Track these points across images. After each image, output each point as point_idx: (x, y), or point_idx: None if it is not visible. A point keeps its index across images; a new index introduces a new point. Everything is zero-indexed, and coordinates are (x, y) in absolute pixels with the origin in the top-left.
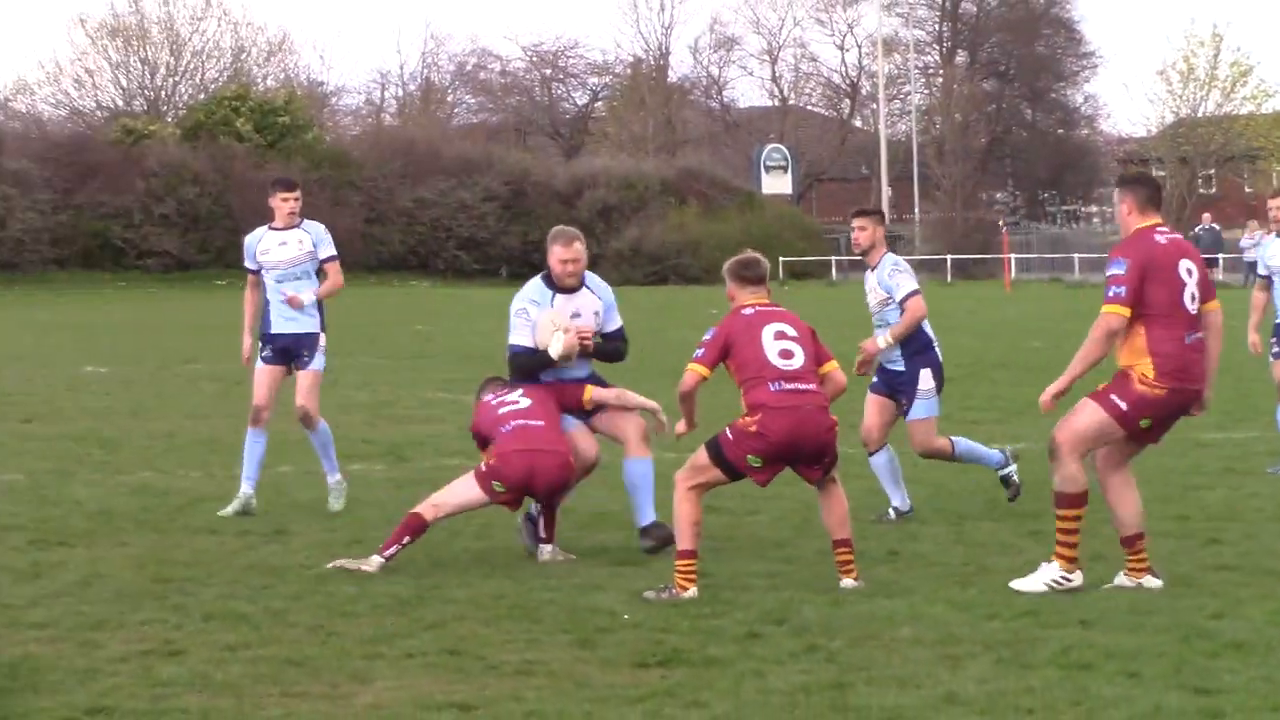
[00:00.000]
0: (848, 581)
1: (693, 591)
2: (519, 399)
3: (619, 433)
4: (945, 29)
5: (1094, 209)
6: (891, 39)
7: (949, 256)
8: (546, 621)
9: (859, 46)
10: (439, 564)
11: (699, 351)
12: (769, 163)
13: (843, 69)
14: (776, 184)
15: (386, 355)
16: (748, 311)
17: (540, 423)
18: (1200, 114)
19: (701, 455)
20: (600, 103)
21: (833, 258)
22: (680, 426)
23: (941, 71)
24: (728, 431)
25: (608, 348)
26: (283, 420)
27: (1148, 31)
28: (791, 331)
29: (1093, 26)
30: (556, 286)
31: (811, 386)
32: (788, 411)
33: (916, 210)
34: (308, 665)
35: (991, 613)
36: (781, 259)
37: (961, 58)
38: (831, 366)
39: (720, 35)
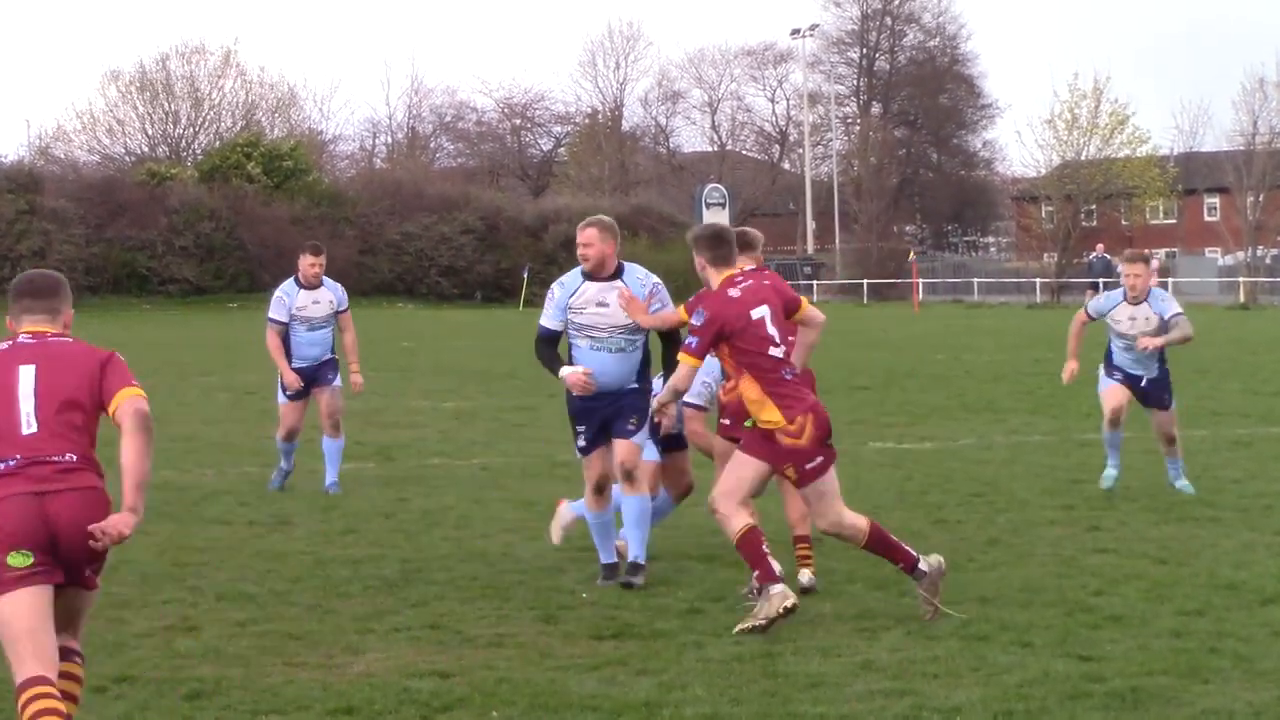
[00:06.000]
0: (805, 574)
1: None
2: None
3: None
4: (862, 84)
5: (991, 240)
6: (815, 93)
7: (865, 281)
8: (515, 600)
9: (787, 99)
10: (421, 550)
11: None
12: (709, 200)
13: (773, 119)
14: (716, 218)
15: (376, 368)
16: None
17: None
18: (1083, 157)
19: None
20: (563, 148)
21: None
22: None
23: (859, 121)
24: None
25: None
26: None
27: (1038, 85)
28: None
29: (991, 81)
30: (587, 275)
31: None
32: None
33: (837, 241)
34: (307, 639)
35: (903, 590)
36: None
37: (876, 109)
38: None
39: (667, 90)
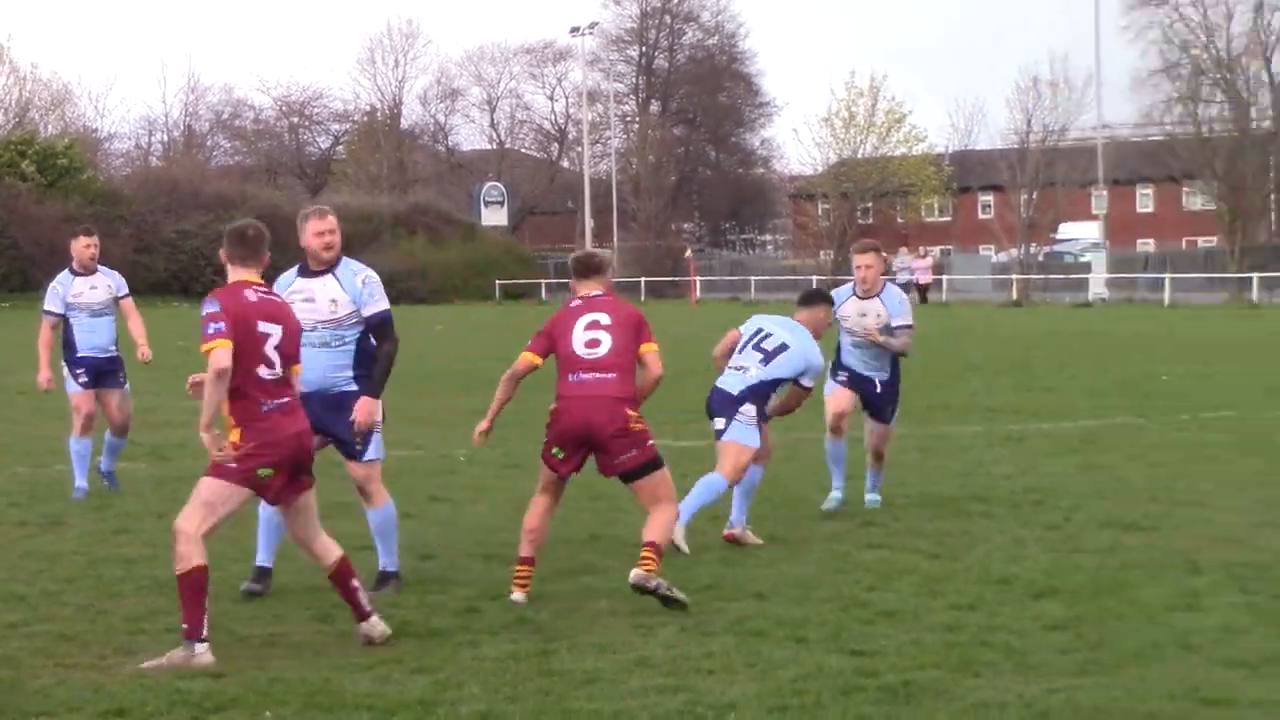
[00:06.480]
0: (636, 571)
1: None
2: None
3: None
4: (641, 82)
5: (768, 237)
6: (594, 91)
7: (643, 279)
8: (290, 600)
9: (566, 97)
10: None
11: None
12: (488, 199)
13: (552, 117)
14: (494, 217)
15: (151, 367)
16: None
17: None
18: (860, 155)
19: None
20: (341, 146)
21: (542, 281)
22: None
23: (638, 119)
24: None
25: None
26: (57, 424)
27: (815, 83)
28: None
29: (769, 80)
30: (308, 271)
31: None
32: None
33: (615, 239)
34: (79, 640)
35: (678, 586)
36: (498, 282)
37: (655, 107)
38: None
39: (446, 87)
